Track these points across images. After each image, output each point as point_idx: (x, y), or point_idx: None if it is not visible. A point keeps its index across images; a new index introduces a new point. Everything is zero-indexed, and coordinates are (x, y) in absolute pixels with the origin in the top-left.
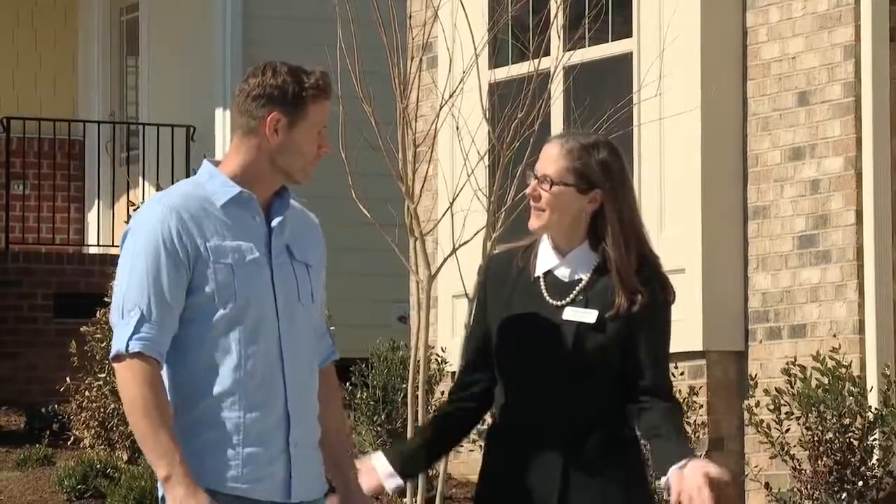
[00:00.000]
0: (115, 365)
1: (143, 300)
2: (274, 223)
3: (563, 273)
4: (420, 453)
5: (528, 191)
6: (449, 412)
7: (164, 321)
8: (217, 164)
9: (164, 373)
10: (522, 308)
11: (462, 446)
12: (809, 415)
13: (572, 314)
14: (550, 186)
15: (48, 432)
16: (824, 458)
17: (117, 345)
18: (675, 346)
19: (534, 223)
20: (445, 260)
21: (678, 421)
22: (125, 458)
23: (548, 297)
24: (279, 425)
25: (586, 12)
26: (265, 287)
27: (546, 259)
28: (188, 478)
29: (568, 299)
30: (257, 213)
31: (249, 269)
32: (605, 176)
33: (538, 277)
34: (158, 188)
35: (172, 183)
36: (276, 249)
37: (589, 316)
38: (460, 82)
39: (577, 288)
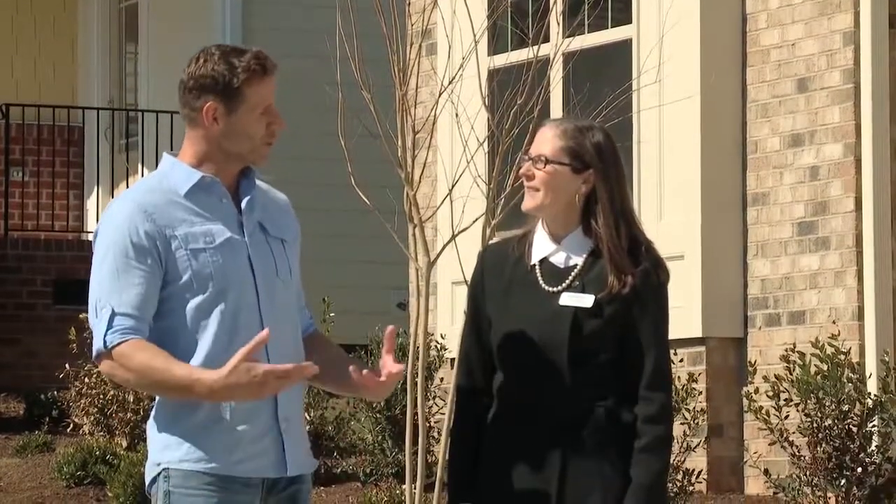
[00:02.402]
0: (100, 367)
1: (113, 297)
2: (243, 203)
3: (558, 259)
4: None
5: (521, 171)
6: (478, 424)
7: (137, 313)
8: (176, 154)
9: None
10: (520, 297)
11: None
12: (808, 401)
13: (569, 300)
14: (545, 165)
15: (47, 419)
16: (823, 445)
17: (97, 344)
18: (674, 333)
19: (527, 203)
20: (445, 247)
21: (653, 465)
22: (124, 444)
23: (544, 285)
24: (267, 402)
25: None
26: (243, 266)
27: (541, 246)
28: (214, 374)
29: (564, 285)
30: (224, 196)
31: (223, 250)
32: (599, 157)
33: (534, 265)
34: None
35: None
36: (249, 228)
37: (585, 300)
38: (459, 69)
39: (573, 273)
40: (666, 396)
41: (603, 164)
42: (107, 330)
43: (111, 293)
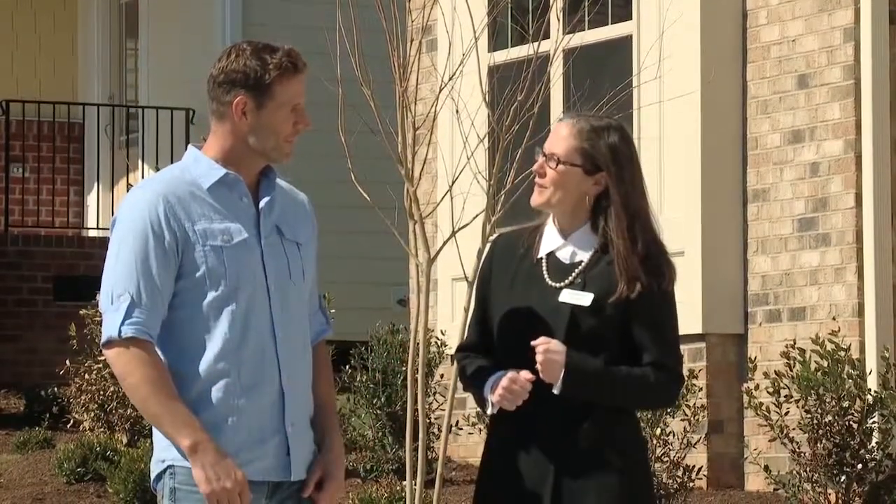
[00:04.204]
0: (106, 351)
1: (132, 285)
2: (262, 204)
3: (564, 254)
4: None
5: (535, 167)
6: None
7: (154, 305)
8: (201, 147)
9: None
10: (523, 289)
11: (461, 429)
12: (809, 398)
13: (568, 296)
14: (557, 165)
15: (48, 415)
16: (823, 441)
17: (109, 331)
18: None
19: (536, 199)
20: (445, 243)
21: (647, 378)
22: (125, 440)
23: (548, 279)
24: (274, 405)
25: None
26: (256, 267)
27: (550, 240)
28: (213, 443)
29: (566, 281)
30: (244, 195)
31: (239, 250)
32: (613, 160)
33: (541, 259)
34: (158, 171)
35: None
36: (266, 229)
37: (584, 299)
38: (460, 65)
39: (577, 270)
40: (677, 377)
41: (616, 166)
42: (124, 319)
43: (130, 281)
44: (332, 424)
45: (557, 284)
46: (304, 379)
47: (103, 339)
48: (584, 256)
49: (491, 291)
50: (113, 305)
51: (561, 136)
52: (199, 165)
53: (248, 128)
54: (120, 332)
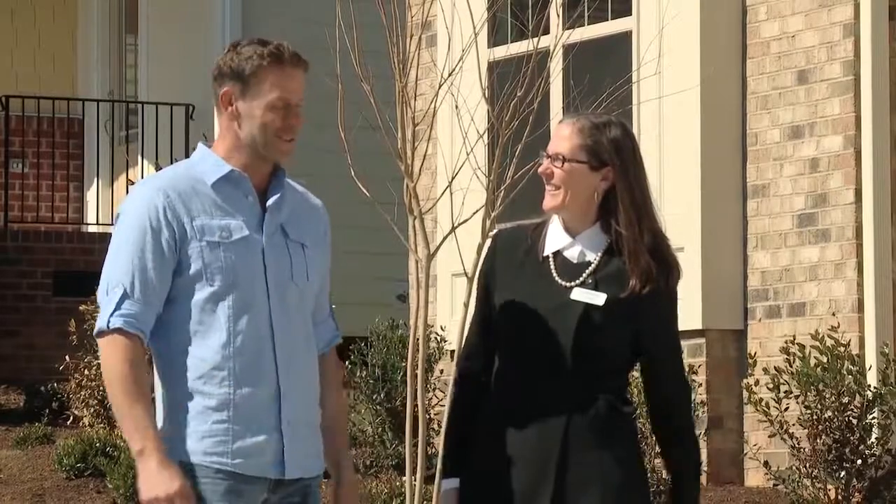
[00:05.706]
0: (98, 341)
1: (126, 278)
2: (269, 203)
3: (572, 254)
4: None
5: (540, 170)
6: (475, 401)
7: (148, 299)
8: (210, 146)
9: (154, 349)
10: (530, 287)
11: None
12: (808, 393)
13: (581, 295)
14: (563, 164)
15: (47, 411)
16: (823, 437)
17: (100, 321)
18: None
19: (549, 203)
20: (445, 238)
21: (694, 453)
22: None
23: (557, 278)
24: (271, 402)
25: None
26: (255, 265)
27: (556, 239)
28: (161, 452)
29: (577, 281)
30: (250, 193)
31: (237, 247)
32: (617, 154)
33: (547, 257)
34: (157, 167)
35: (171, 162)
36: (270, 228)
37: (598, 298)
38: (459, 61)
39: (587, 270)
40: (690, 412)
41: (621, 160)
42: (114, 310)
43: (125, 275)
44: (342, 451)
45: (568, 283)
46: (304, 379)
47: (96, 328)
48: (592, 257)
49: (494, 288)
50: (107, 297)
51: (563, 135)
52: (205, 162)
53: (235, 120)
54: (109, 322)
